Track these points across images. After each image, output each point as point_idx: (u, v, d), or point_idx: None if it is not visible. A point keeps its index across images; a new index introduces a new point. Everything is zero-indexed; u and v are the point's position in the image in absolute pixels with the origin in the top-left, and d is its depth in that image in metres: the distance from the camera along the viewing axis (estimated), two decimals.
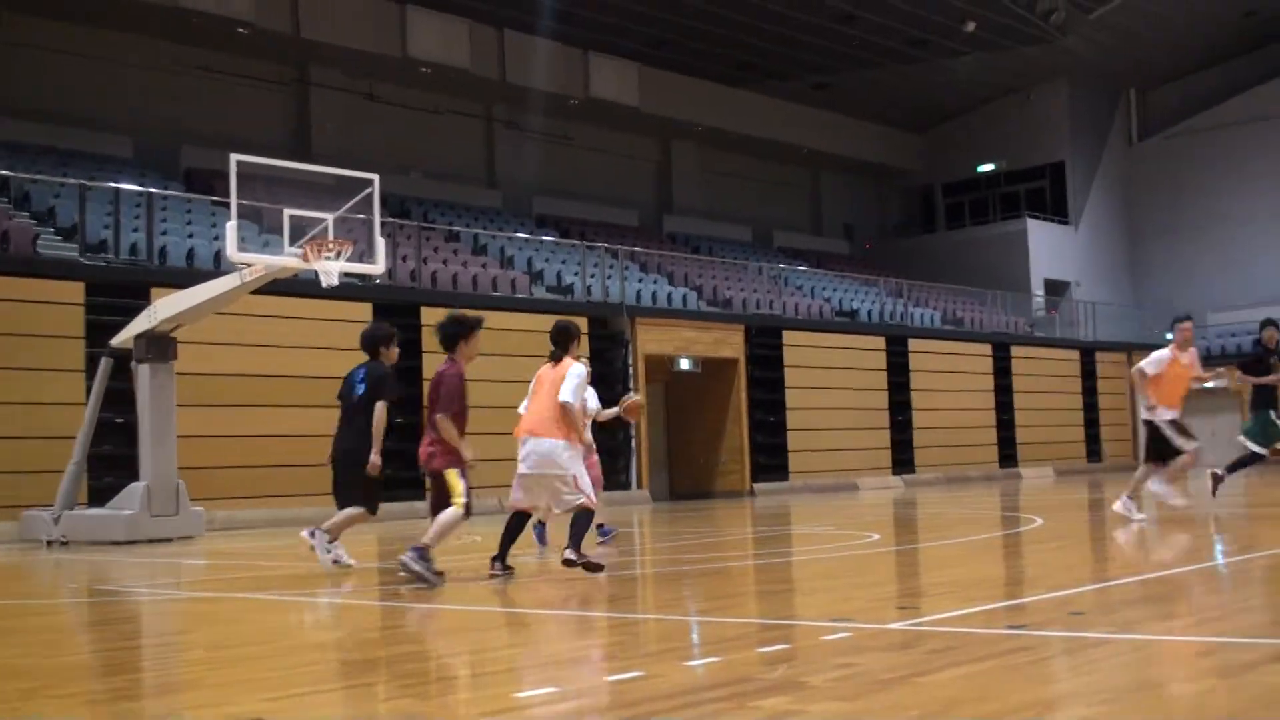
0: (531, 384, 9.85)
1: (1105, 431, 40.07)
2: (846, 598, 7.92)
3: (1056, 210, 45.95)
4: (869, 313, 35.58)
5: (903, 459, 33.30)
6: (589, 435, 11.22)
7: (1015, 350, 37.20)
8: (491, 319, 24.87)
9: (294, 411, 22.10)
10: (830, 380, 31.55)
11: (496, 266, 28.61)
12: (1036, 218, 45.00)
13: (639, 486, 27.18)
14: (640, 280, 30.85)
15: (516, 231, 32.08)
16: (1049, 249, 44.86)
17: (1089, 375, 39.92)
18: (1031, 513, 16.71)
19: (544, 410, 9.44)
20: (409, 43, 31.27)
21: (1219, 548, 10.71)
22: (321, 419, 22.45)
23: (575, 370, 9.52)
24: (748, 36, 37.23)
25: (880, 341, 33.38)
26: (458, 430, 9.24)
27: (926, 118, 47.05)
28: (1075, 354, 39.63)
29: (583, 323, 26.67)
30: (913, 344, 34.05)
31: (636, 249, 32.88)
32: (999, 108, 46.23)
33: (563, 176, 37.16)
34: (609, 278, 28.62)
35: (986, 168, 47.36)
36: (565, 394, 9.32)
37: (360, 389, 10.78)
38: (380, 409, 10.54)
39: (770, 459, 29.87)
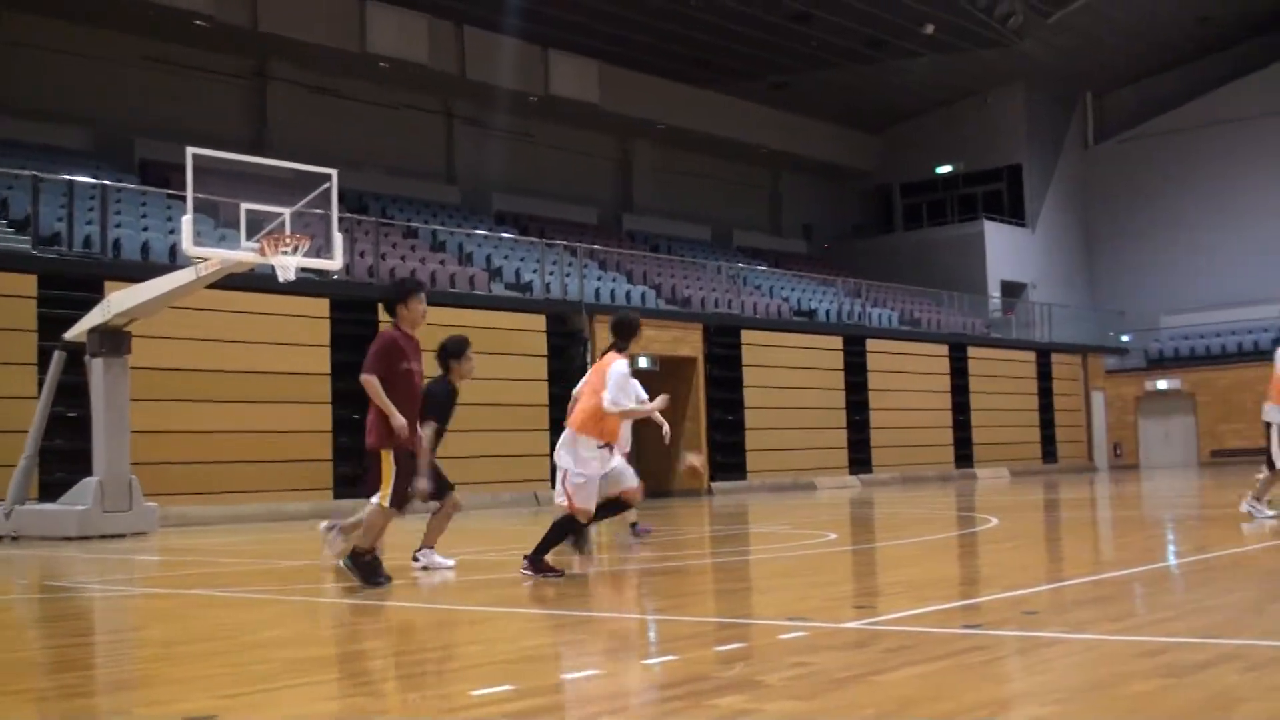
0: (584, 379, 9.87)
1: (1060, 433, 40.37)
2: (803, 597, 7.94)
3: (1013, 212, 46.27)
4: (827, 313, 35.69)
5: (860, 459, 33.44)
6: (626, 432, 10.95)
7: (972, 351, 37.43)
8: (449, 316, 24.83)
9: (250, 407, 21.97)
10: (788, 380, 31.65)
11: (455, 263, 28.53)
12: (993, 220, 45.30)
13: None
14: (599, 278, 30.82)
15: (475, 228, 31.99)
16: (1006, 251, 45.15)
17: (1045, 377, 40.21)
18: (987, 513, 16.82)
19: (582, 402, 9.32)
20: (368, 38, 31.12)
21: (1171, 548, 10.81)
22: (277, 414, 22.46)
23: (616, 369, 9.24)
24: (708, 36, 37.27)
25: (838, 341, 33.51)
26: (390, 405, 8.47)
27: (885, 119, 47.26)
28: (1031, 355, 39.91)
29: (540, 321, 26.67)
30: (870, 344, 34.20)
31: (596, 247, 32.85)
32: (957, 110, 46.49)
33: (522, 173, 37.10)
34: (568, 275, 28.59)
35: (944, 169, 47.62)
36: (608, 401, 9.01)
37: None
38: (426, 431, 9.95)
39: (728, 458, 29.93)
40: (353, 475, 23.32)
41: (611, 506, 9.94)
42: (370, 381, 8.50)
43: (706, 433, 29.49)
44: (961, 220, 46.12)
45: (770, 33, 37.75)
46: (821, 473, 31.93)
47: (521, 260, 30.02)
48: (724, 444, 29.94)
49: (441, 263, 27.82)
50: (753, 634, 6.20)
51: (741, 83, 40.94)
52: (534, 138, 37.46)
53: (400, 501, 8.54)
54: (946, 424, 36.31)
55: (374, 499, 8.56)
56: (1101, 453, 42.53)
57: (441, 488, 10.31)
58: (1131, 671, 4.81)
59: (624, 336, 9.73)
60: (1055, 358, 40.72)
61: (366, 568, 8.57)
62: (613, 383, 9.10)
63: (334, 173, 15.41)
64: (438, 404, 10.21)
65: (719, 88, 40.60)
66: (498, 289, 28.04)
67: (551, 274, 28.54)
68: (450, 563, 10.39)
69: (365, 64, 32.02)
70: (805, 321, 34.52)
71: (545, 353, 26.54)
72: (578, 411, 9.33)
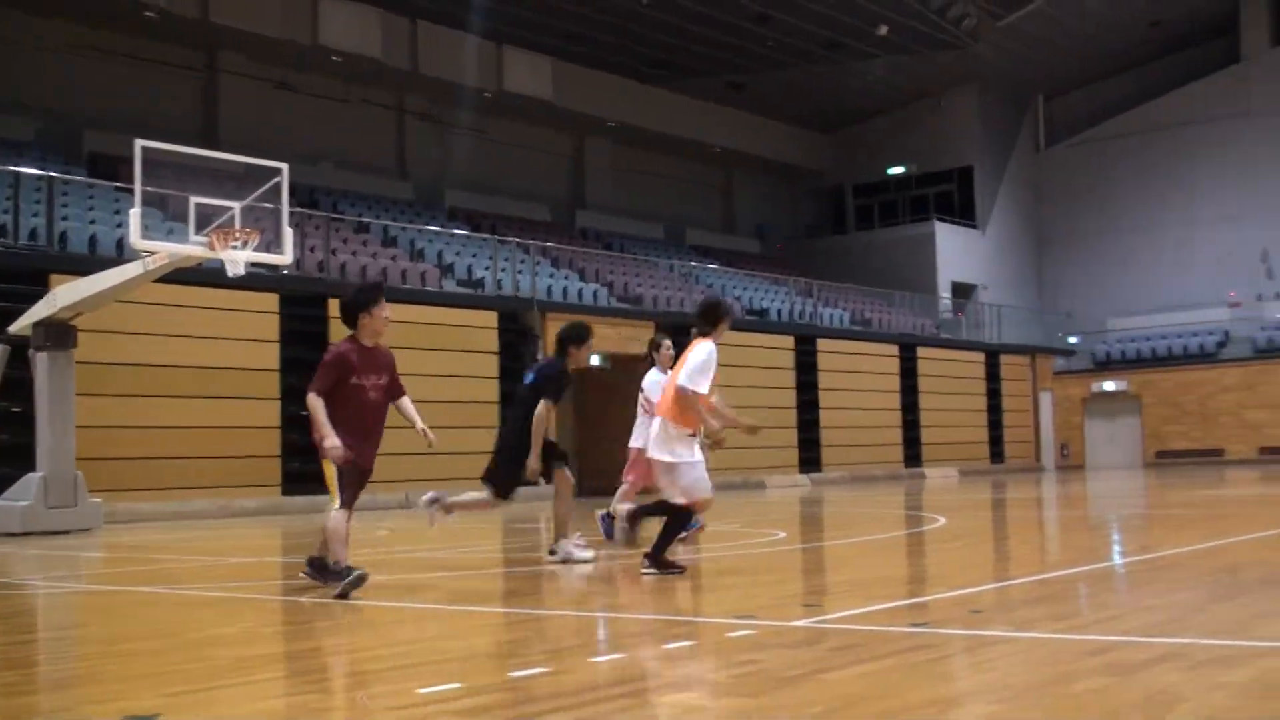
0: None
1: (1009, 433, 40.69)
2: (751, 595, 7.96)
3: (964, 214, 46.59)
4: (779, 312, 35.80)
5: (810, 458, 33.56)
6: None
7: (922, 351, 37.65)
8: (400, 312, 24.68)
9: (197, 403, 21.79)
10: (739, 378, 31.68)
11: (406, 259, 28.41)
12: (945, 221, 45.60)
13: (548, 482, 27.11)
14: (551, 275, 30.78)
15: (428, 224, 31.87)
16: (956, 252, 45.45)
17: (993, 377, 40.51)
18: (935, 512, 16.92)
19: (666, 389, 9.07)
20: (320, 31, 30.94)
21: (1116, 548, 10.92)
22: (225, 410, 22.27)
23: (698, 352, 8.92)
24: (663, 34, 37.30)
25: (789, 341, 33.63)
26: (322, 414, 7.98)
27: (838, 119, 47.47)
28: (980, 356, 40.20)
29: (492, 317, 26.60)
30: (821, 344, 34.34)
31: (548, 244, 32.81)
32: (910, 111, 46.76)
33: (475, 170, 36.98)
34: (520, 272, 28.53)
35: (896, 170, 47.87)
36: (682, 377, 8.76)
37: (527, 378, 10.41)
38: (540, 408, 9.93)
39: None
40: (302, 472, 23.22)
41: (661, 509, 9.30)
42: (312, 402, 8.02)
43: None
44: (913, 221, 46.40)
45: (726, 32, 37.83)
46: (771, 471, 32.04)
47: (474, 257, 29.94)
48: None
49: (393, 259, 27.71)
50: (701, 632, 6.21)
51: (696, 81, 41.02)
52: (488, 134, 37.35)
53: (350, 501, 8.01)
54: (896, 424, 36.52)
55: (332, 509, 8.00)
56: (1049, 453, 42.90)
57: (549, 464, 10.15)
58: (1075, 670, 4.85)
59: (710, 320, 9.23)
60: (1004, 359, 41.04)
61: (335, 575, 7.95)
62: (690, 364, 8.81)
63: (285, 167, 15.32)
64: (553, 382, 10.07)
65: (674, 86, 40.66)
66: (449, 285, 27.95)
67: (504, 271, 28.47)
68: (589, 555, 10.11)
69: (317, 57, 31.84)
70: (757, 321, 34.61)
71: (496, 350, 26.48)
72: (662, 397, 9.06)
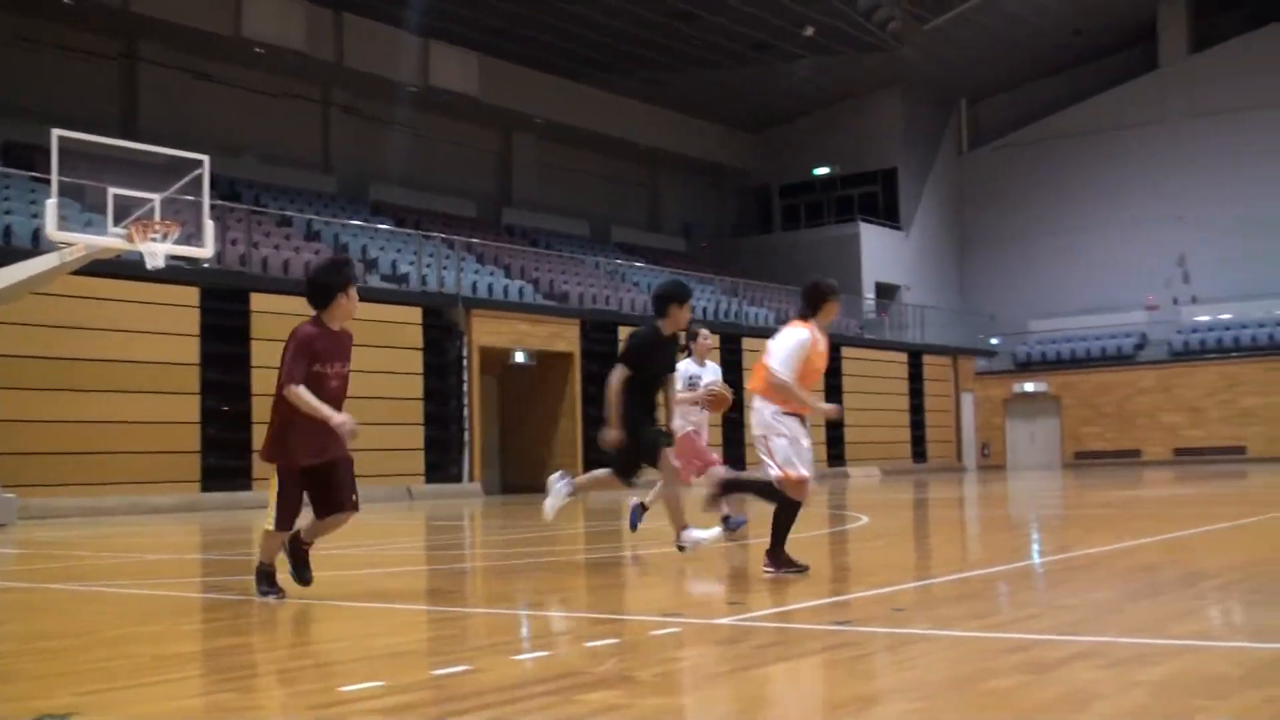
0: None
1: (931, 433, 41.10)
2: (677, 593, 7.98)
3: (889, 215, 46.99)
4: (704, 311, 35.89)
5: (734, 455, 33.67)
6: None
7: (846, 351, 37.91)
8: None
9: (114, 397, 21.48)
10: None
11: (329, 254, 28.19)
12: (869, 222, 45.96)
13: (470, 479, 27.04)
14: (476, 272, 30.67)
15: (351, 219, 31.63)
16: (881, 253, 45.83)
17: (916, 378, 40.90)
18: (858, 511, 17.04)
19: (757, 369, 8.60)
20: (243, 21, 30.58)
21: (1035, 548, 11.06)
22: (143, 405, 21.96)
23: (788, 334, 8.50)
24: (590, 31, 37.28)
25: (714, 340, 33.70)
26: (307, 402, 7.20)
27: (765, 119, 47.69)
28: (903, 356, 40.58)
29: (416, 313, 26.44)
30: (746, 343, 34.48)
31: (474, 240, 32.68)
32: (836, 112, 47.07)
33: (400, 164, 36.75)
34: (445, 268, 28.40)
35: (822, 171, 48.18)
36: (775, 362, 8.34)
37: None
38: (614, 375, 9.41)
39: (603, 454, 29.90)
40: (220, 468, 22.95)
41: (764, 489, 8.81)
42: (295, 393, 7.18)
43: (582, 429, 29.49)
44: (838, 222, 46.71)
45: (653, 30, 37.88)
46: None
47: (398, 252, 29.75)
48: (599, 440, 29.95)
49: (316, 253, 27.46)
50: (625, 630, 6.21)
51: (624, 79, 41.04)
52: (413, 129, 37.13)
53: (286, 524, 7.39)
54: (820, 422, 36.70)
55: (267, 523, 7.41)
56: (970, 453, 43.39)
57: (648, 448, 9.59)
58: (994, 668, 4.91)
59: (810, 303, 8.66)
60: (927, 359, 41.45)
61: (261, 577, 7.57)
62: (780, 351, 8.40)
63: (206, 159, 15.16)
64: (632, 348, 9.51)
65: (601, 84, 40.66)
66: (373, 281, 27.76)
67: (428, 267, 28.33)
68: (714, 531, 9.74)
69: (240, 48, 31.46)
70: None
71: (421, 346, 26.34)
72: (758, 376, 8.62)
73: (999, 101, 49.52)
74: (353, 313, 7.61)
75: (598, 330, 30.31)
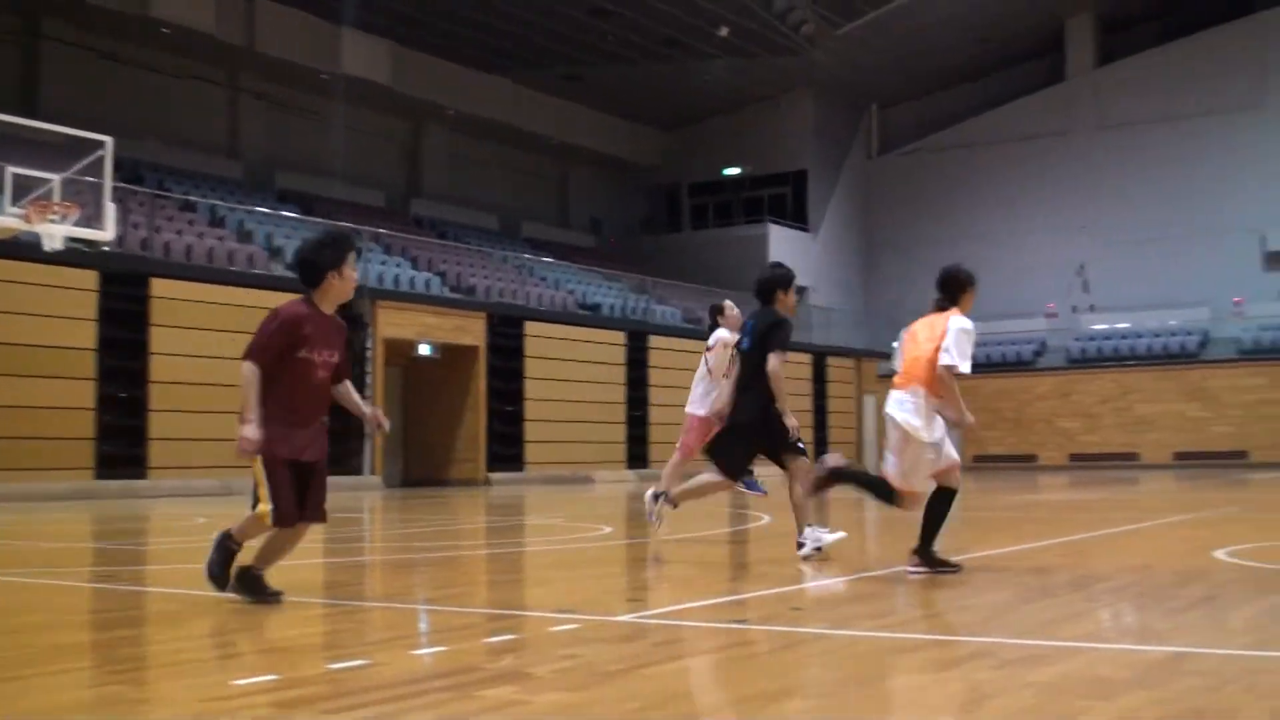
0: (902, 339, 8.53)
1: (833, 434, 41.46)
2: (575, 589, 7.96)
3: (797, 217, 47.34)
4: (611, 307, 35.91)
5: (637, 454, 33.74)
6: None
7: None
8: (225, 295, 24.18)
9: (7, 381, 21.01)
10: (570, 373, 31.75)
11: (234, 240, 27.78)
12: (778, 223, 46.24)
13: (372, 472, 26.81)
14: (383, 263, 30.41)
15: (257, 206, 31.20)
16: (788, 254, 46.05)
17: (820, 379, 41.23)
18: (760, 510, 17.13)
19: (916, 355, 8.10)
20: (151, 1, 30.02)
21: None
22: (37, 389, 21.47)
23: (957, 322, 7.98)
24: (504, 23, 37.13)
25: (621, 336, 33.76)
26: (257, 391, 6.50)
27: (677, 118, 47.82)
28: (808, 358, 40.87)
29: None
30: (653, 340, 34.55)
31: (381, 230, 32.40)
32: (747, 113, 47.33)
33: (309, 152, 36.34)
34: None
35: (732, 171, 48.41)
36: (952, 356, 7.80)
37: (745, 342, 9.51)
38: (772, 362, 9.18)
39: (506, 449, 29.87)
40: (116, 455, 22.54)
41: (877, 486, 8.52)
42: (247, 375, 6.49)
43: (486, 423, 29.39)
44: (747, 222, 46.97)
45: (568, 25, 37.82)
46: (599, 466, 32.13)
47: (304, 241, 29.40)
48: (503, 435, 29.89)
49: (220, 239, 27.07)
50: (524, 626, 6.19)
51: (536, 73, 40.93)
52: (323, 116, 36.74)
53: (289, 515, 6.58)
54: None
55: (253, 510, 6.68)
56: (872, 454, 43.83)
57: (786, 447, 9.23)
58: (890, 667, 4.95)
59: (951, 293, 8.25)
60: (831, 360, 41.80)
61: (250, 583, 6.81)
62: (956, 341, 7.87)
63: (109, 140, 14.88)
64: (777, 330, 9.24)
65: (514, 76, 40.52)
66: (278, 269, 27.39)
67: None
68: (838, 534, 9.38)
69: (147, 28, 30.91)
70: (589, 315, 34.68)
71: None
72: (918, 365, 8.05)
73: (909, 108, 50.11)
74: (347, 295, 6.90)
75: (504, 324, 30.21)
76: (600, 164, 47.20)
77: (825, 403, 41.21)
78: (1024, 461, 42.22)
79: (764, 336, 9.29)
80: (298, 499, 6.65)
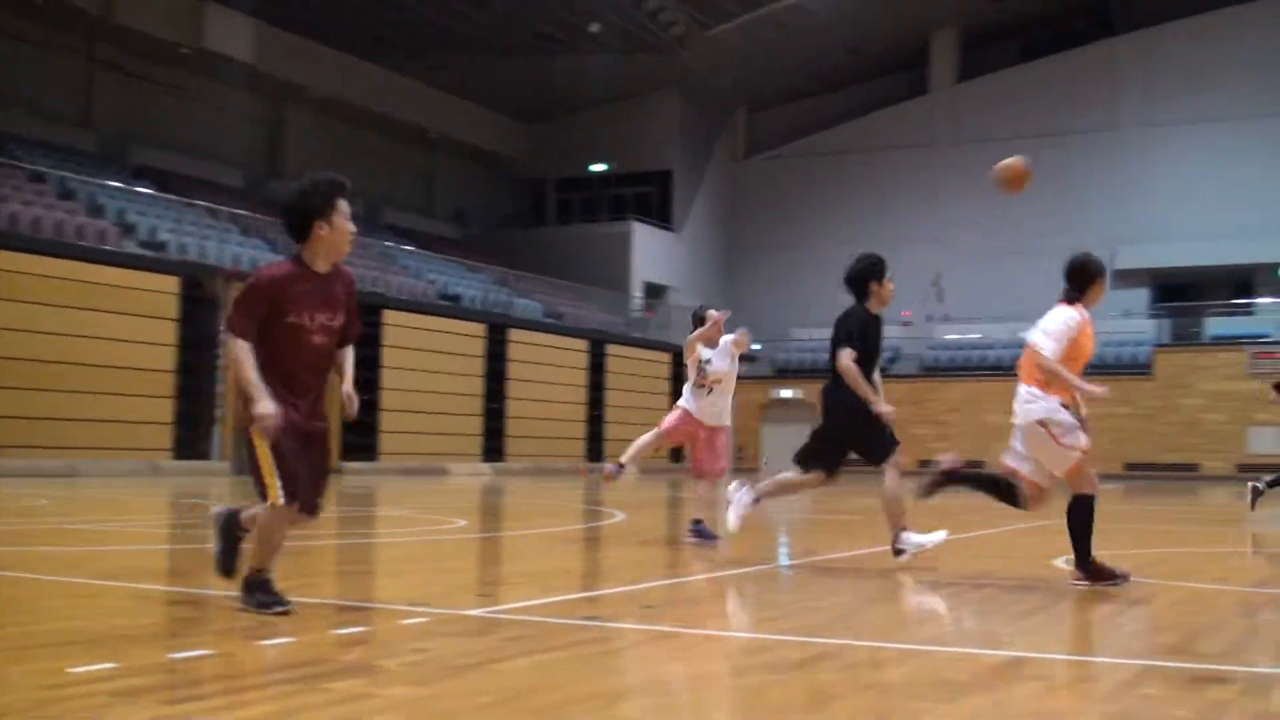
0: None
1: None
2: (427, 583, 7.91)
3: (661, 216, 47.55)
4: (473, 299, 35.71)
5: (493, 446, 33.61)
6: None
7: (610, 348, 38.24)
8: (73, 270, 23.52)
9: None
10: (427, 363, 31.49)
11: (84, 214, 27.00)
12: (642, 221, 46.40)
13: (220, 458, 26.28)
14: (239, 243, 29.84)
15: (111, 180, 30.37)
16: (652, 252, 46.36)
17: (679, 378, 41.43)
18: (614, 507, 17.18)
19: (1028, 356, 7.72)
20: None
21: (782, 550, 11.33)
22: None
23: (1057, 314, 7.68)
24: (375, 6, 36.73)
25: (481, 329, 33.59)
26: (251, 361, 5.76)
27: (545, 112, 47.72)
28: (667, 356, 41.10)
29: (173, 283, 25.57)
30: (512, 334, 34.46)
31: (239, 211, 31.77)
32: (616, 111, 47.41)
33: (167, 127, 35.49)
34: (207, 238, 27.53)
35: (598, 168, 48.46)
36: (1042, 343, 7.55)
37: (831, 344, 9.19)
38: (844, 359, 8.91)
39: (360, 438, 29.52)
40: None
41: (996, 488, 8.14)
42: (238, 352, 5.76)
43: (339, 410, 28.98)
44: (611, 219, 47.06)
45: (440, 12, 37.52)
46: (455, 458, 31.94)
47: (158, 218, 28.71)
48: (357, 423, 29.51)
49: (69, 213, 26.28)
50: (373, 618, 6.12)
51: (407, 59, 40.52)
52: (183, 91, 35.89)
53: (295, 493, 5.81)
54: (581, 418, 36.96)
55: (264, 503, 5.90)
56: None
57: (881, 446, 8.93)
58: (738, 667, 5.00)
59: (1076, 284, 7.81)
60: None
61: (256, 589, 5.97)
62: (1047, 327, 7.62)
63: None
64: (847, 326, 8.94)
65: (383, 61, 40.05)
66: (130, 246, 26.70)
67: (189, 235, 27.41)
68: (937, 535, 8.87)
69: None
70: (450, 306, 34.45)
71: (176, 316, 25.48)
72: (1027, 363, 7.75)
73: (776, 113, 50.65)
74: (342, 246, 6.00)
75: (363, 312, 29.83)
76: (467, 155, 46.90)
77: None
78: (875, 466, 42.86)
79: (836, 330, 9.10)
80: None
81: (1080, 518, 7.62)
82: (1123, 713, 4.28)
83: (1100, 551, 7.76)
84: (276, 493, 5.75)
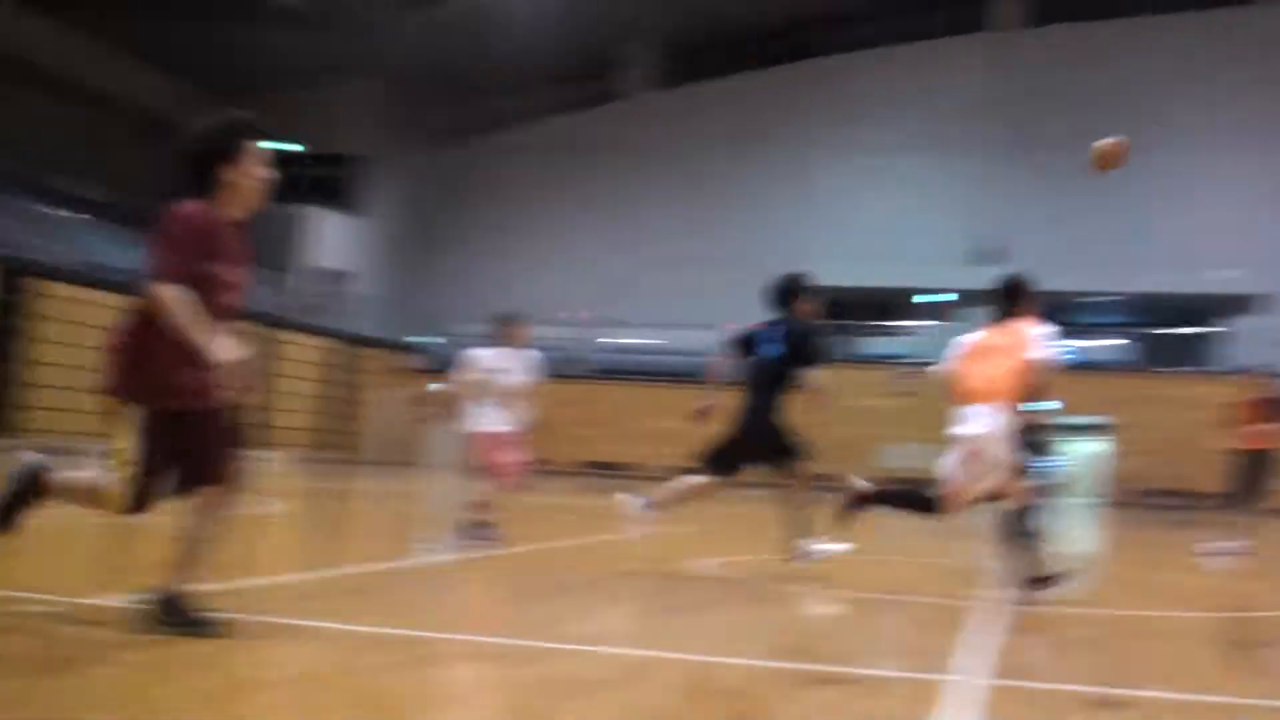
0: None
1: (356, 425, 41.10)
2: (49, 568, 7.49)
3: (345, 202, 46.71)
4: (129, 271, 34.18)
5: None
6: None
7: (284, 335, 37.24)
8: None
9: None
10: (87, 338, 29.93)
11: None
12: (326, 205, 45.48)
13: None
14: None
15: None
16: (333, 238, 45.52)
17: (351, 368, 40.80)
18: (272, 496, 16.74)
19: (1001, 366, 7.65)
20: None
21: (427, 547, 11.26)
22: None
23: (1045, 330, 7.75)
24: None
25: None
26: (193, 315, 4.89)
27: (233, 83, 45.94)
28: (341, 345, 40.37)
29: None
30: None
31: None
32: (308, 89, 46.16)
33: None
34: None
35: (285, 147, 47.14)
36: (1055, 356, 7.58)
37: (772, 350, 8.89)
38: (820, 375, 8.84)
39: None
40: None
41: (912, 500, 8.25)
42: (169, 296, 4.89)
43: None
44: (295, 201, 45.82)
45: None
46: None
47: None
48: None
49: None
50: None
51: (81, 13, 38.36)
52: None
53: (149, 498, 5.10)
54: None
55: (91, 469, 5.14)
56: (393, 446, 43.68)
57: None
58: (367, 663, 4.90)
59: (1025, 300, 7.98)
60: (364, 350, 41.45)
61: (171, 609, 5.13)
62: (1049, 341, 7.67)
63: None
64: (814, 340, 8.91)
65: (56, 16, 37.80)
66: None
67: None
68: (841, 546, 8.87)
69: None
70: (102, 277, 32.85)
71: None
72: (1008, 377, 7.62)
73: (474, 105, 50.34)
74: (255, 195, 5.42)
75: (16, 278, 28.11)
76: (141, 120, 44.67)
77: (356, 392, 40.77)
78: (537, 465, 43.08)
79: (801, 346, 8.96)
80: (187, 464, 5.09)
81: (1020, 535, 7.81)
82: (739, 713, 4.39)
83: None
84: (128, 470, 5.03)
